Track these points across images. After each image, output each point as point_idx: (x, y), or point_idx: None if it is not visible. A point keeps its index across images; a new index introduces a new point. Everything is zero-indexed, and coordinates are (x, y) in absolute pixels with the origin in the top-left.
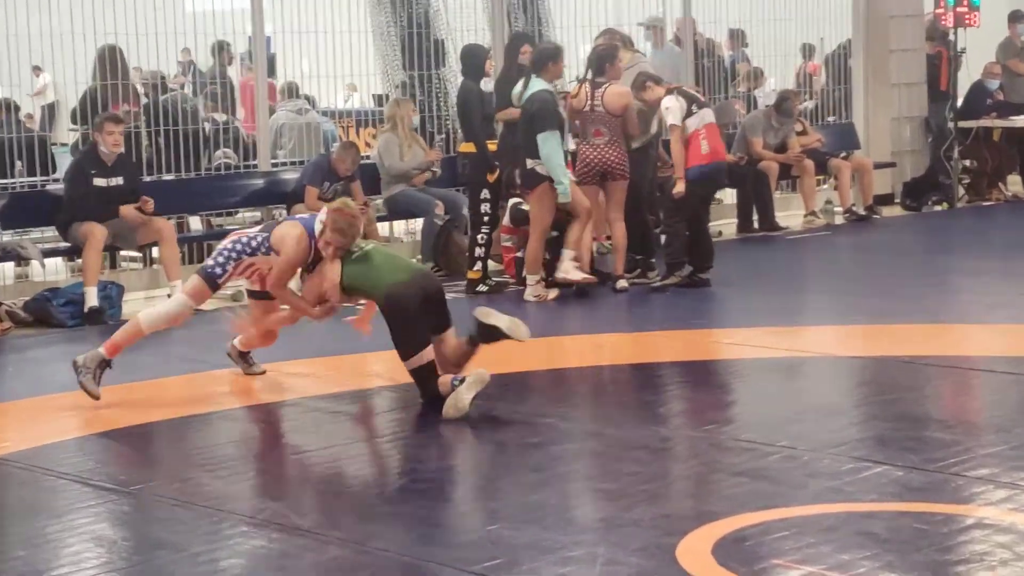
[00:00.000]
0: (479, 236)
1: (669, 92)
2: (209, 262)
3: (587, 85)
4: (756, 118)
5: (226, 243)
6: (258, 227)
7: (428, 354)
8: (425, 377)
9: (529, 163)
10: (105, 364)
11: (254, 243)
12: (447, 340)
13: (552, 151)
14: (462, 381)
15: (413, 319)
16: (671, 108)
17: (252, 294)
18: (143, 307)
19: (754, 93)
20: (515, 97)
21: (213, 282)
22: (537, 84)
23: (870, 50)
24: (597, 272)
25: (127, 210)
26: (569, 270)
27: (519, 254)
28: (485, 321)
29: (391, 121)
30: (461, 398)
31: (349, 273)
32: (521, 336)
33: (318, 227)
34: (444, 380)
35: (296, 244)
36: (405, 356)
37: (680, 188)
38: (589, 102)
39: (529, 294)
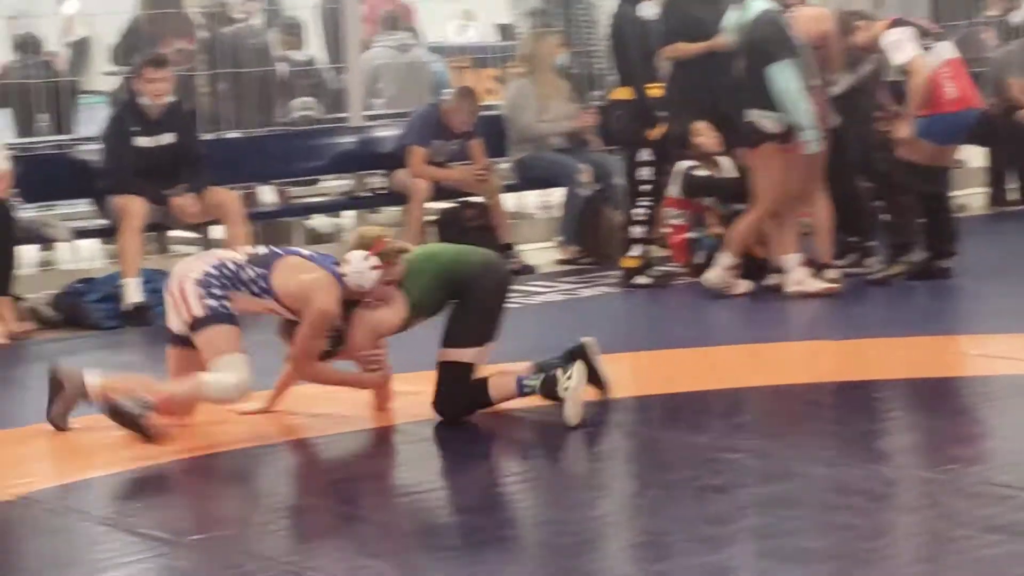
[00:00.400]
0: (638, 211)
1: (891, 26)
2: (198, 311)
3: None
4: (1013, 53)
5: (196, 275)
6: (227, 253)
7: (484, 356)
8: (462, 379)
9: (752, 114)
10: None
11: (244, 275)
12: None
13: (788, 86)
14: (540, 379)
15: (497, 308)
16: (899, 41)
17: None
18: None
19: (1009, 18)
20: (728, 27)
21: (231, 320)
22: (759, 3)
23: None
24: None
25: (177, 204)
26: (803, 279)
27: (691, 234)
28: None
29: (528, 63)
30: (577, 398)
31: (411, 290)
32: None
33: (353, 274)
34: (505, 383)
35: (329, 295)
36: (461, 344)
37: (905, 131)
38: None
39: (713, 278)
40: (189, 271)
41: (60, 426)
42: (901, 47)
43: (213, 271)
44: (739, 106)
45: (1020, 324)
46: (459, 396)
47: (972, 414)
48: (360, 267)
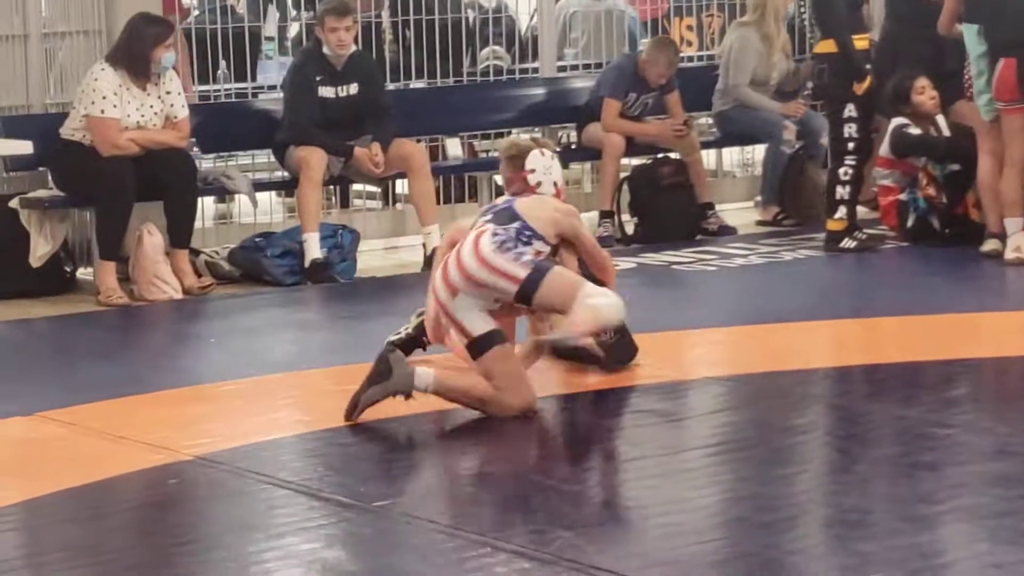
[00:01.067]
0: (843, 171)
1: None
2: (522, 272)
3: None
4: None
5: (488, 250)
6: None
7: None
8: None
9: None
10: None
11: (513, 234)
12: None
13: None
14: None
15: None
16: None
17: None
18: (384, 261)
19: None
20: None
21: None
22: None
23: None
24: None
25: (362, 154)
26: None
27: (902, 196)
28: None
29: (758, 10)
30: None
31: None
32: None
33: (543, 176)
34: None
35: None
36: None
37: None
38: None
39: (1010, 248)
40: (471, 255)
41: (352, 413)
42: None
43: (497, 239)
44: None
45: None
46: None
47: None
48: (545, 164)
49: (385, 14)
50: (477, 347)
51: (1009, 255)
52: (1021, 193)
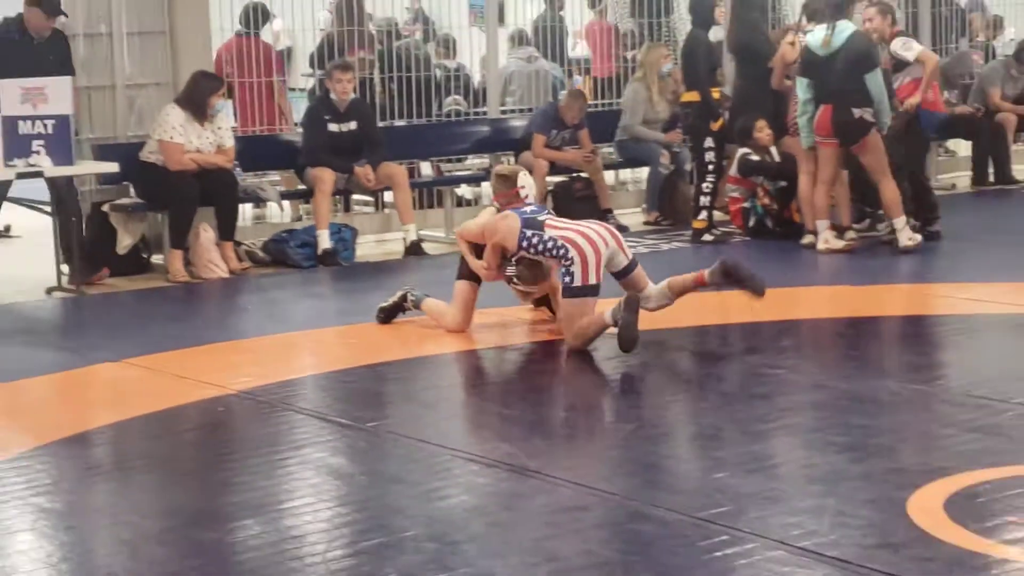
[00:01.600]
0: (705, 185)
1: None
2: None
3: (799, 35)
4: (994, 68)
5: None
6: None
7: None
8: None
9: (855, 112)
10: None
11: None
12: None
13: (882, 89)
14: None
15: None
16: (908, 42)
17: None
18: (375, 250)
19: (992, 43)
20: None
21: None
22: (848, 26)
23: None
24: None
25: (360, 172)
26: (830, 239)
27: (745, 204)
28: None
29: (642, 68)
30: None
31: None
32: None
33: (530, 191)
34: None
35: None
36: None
37: (915, 101)
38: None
39: (821, 242)
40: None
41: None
42: (910, 46)
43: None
44: (846, 105)
45: (995, 276)
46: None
47: (958, 343)
48: (529, 182)
49: (376, 72)
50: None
51: (820, 247)
52: (828, 202)
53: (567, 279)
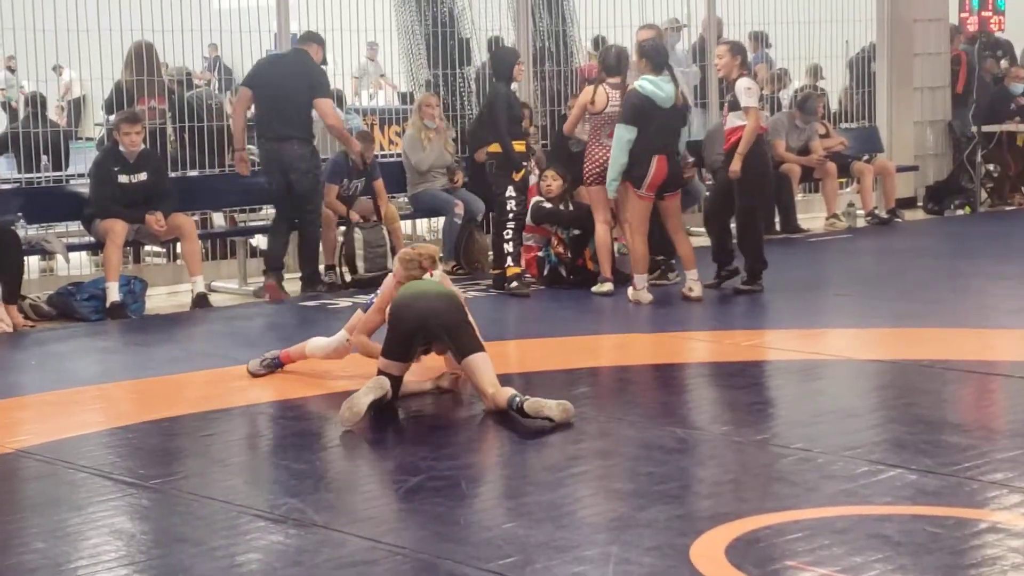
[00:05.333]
0: (506, 232)
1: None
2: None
3: (605, 86)
4: (779, 120)
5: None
6: None
7: (394, 369)
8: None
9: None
10: (277, 365)
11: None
12: (474, 372)
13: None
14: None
15: (399, 333)
16: (751, 89)
17: None
18: (166, 302)
19: (778, 95)
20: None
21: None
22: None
23: (894, 54)
24: (618, 272)
25: (149, 219)
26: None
27: (540, 253)
28: (539, 416)
29: (415, 114)
30: (357, 402)
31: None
32: (570, 420)
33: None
34: (501, 396)
35: (391, 284)
36: (381, 354)
37: (737, 167)
38: (608, 103)
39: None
40: None
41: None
42: (753, 94)
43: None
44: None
45: (781, 322)
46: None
47: (745, 389)
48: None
49: (169, 121)
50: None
51: (631, 295)
52: (645, 251)
53: None
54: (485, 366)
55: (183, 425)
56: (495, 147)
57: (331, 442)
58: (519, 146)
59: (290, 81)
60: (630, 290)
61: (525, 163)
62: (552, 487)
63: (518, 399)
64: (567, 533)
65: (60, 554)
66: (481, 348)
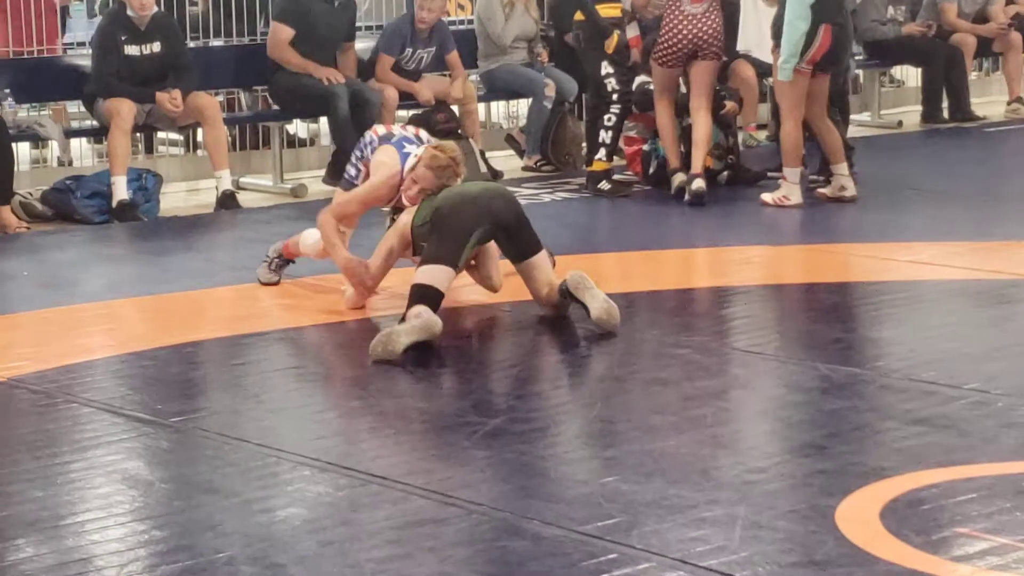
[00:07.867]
0: (607, 117)
1: None
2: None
3: None
4: None
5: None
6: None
7: (442, 280)
8: (417, 297)
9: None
10: (287, 261)
11: (373, 143)
12: (534, 272)
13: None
14: None
15: (451, 234)
16: None
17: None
18: (184, 201)
19: None
20: None
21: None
22: None
23: None
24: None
25: (162, 97)
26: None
27: (645, 147)
28: (576, 296)
29: None
30: (395, 340)
31: (422, 213)
32: (608, 327)
33: (411, 161)
34: (555, 291)
35: (386, 178)
36: (421, 263)
37: None
38: None
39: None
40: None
41: None
42: None
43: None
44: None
45: (949, 234)
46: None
47: (899, 316)
48: (416, 151)
49: None
50: None
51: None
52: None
53: None
54: (546, 265)
55: (208, 351)
56: (578, 15)
57: (388, 374)
58: (609, 10)
59: None
60: (769, 194)
61: (618, 29)
62: (664, 434)
63: (568, 281)
64: (682, 490)
65: (62, 504)
66: (541, 247)
